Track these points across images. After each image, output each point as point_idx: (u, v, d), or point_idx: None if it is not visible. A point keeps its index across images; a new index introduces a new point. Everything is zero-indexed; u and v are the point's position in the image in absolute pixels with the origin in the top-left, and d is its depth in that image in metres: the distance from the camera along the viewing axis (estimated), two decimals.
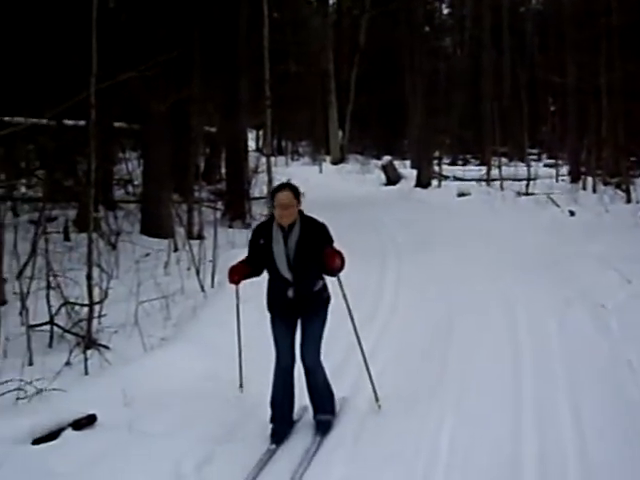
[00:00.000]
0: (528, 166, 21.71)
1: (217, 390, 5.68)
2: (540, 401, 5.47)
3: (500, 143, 24.91)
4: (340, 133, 34.03)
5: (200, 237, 11.55)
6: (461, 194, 19.30)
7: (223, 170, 18.44)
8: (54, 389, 5.37)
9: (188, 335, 6.86)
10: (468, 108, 33.66)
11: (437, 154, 25.19)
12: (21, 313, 6.91)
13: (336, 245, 5.03)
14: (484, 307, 8.19)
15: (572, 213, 14.64)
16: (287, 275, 4.95)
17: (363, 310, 7.78)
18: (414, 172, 23.56)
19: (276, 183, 6.73)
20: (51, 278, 7.19)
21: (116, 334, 6.92)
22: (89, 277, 6.73)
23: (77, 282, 7.59)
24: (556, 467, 4.46)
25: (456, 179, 23.51)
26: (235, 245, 10.35)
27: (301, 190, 5.07)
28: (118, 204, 14.33)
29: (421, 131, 23.95)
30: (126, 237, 11.38)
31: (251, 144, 21.55)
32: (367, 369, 5.40)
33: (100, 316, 7.11)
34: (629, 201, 15.80)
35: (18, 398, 5.29)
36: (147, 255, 10.53)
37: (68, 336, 6.80)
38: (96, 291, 6.99)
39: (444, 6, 40.50)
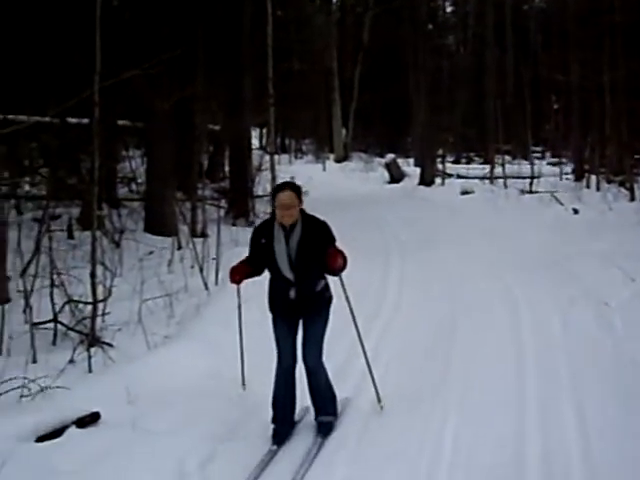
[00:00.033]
0: (532, 164, 21.71)
1: (220, 388, 5.68)
2: (544, 400, 5.45)
3: (504, 141, 24.87)
4: (344, 131, 34.01)
5: (204, 235, 11.57)
6: (465, 192, 19.28)
7: (227, 168, 18.44)
8: (58, 387, 5.38)
9: (192, 333, 6.86)
10: (471, 106, 33.60)
11: (441, 152, 25.16)
12: (25, 311, 6.93)
13: (339, 244, 5.00)
14: (487, 305, 8.18)
15: (576, 211, 14.62)
16: (289, 275, 4.90)
17: (366, 308, 7.79)
18: (418, 170, 23.54)
19: (279, 181, 6.73)
20: (55, 276, 7.20)
21: (120, 332, 6.93)
22: (93, 275, 6.74)
23: (81, 280, 7.61)
24: (560, 466, 4.45)
25: (460, 177, 23.47)
26: (238, 243, 10.35)
27: (304, 188, 5.04)
28: (122, 202, 14.34)
29: (425, 129, 23.93)
30: (130, 235, 11.38)
31: (255, 142, 21.56)
32: (369, 370, 5.36)
33: (104, 314, 7.11)
34: (633, 199, 15.78)
35: (22, 396, 5.30)
36: (151, 253, 10.54)
37: (72, 334, 6.81)
38: (100, 289, 6.99)
39: (447, 4, 40.56)
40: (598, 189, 17.64)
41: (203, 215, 12.67)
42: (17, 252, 8.56)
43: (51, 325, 6.83)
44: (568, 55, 21.63)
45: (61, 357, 6.18)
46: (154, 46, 11.02)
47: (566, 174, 22.08)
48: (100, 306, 6.98)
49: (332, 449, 4.84)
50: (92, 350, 6.26)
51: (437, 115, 24.99)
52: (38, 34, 11.36)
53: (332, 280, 5.13)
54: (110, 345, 6.62)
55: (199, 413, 5.23)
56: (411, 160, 28.75)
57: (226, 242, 10.21)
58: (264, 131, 28.08)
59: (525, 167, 22.37)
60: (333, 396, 5.17)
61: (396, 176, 24.15)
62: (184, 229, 11.94)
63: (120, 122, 15.15)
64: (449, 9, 41.37)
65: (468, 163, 30.61)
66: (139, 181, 15.90)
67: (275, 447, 4.86)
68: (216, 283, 8.86)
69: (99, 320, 6.90)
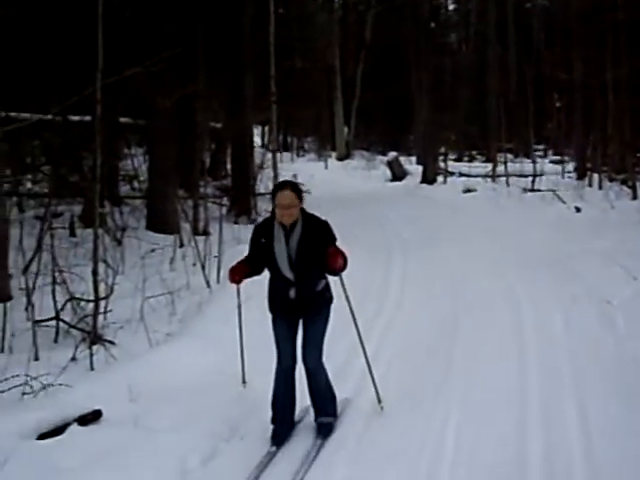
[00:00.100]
0: (534, 162, 21.66)
1: (222, 386, 5.68)
2: (546, 398, 5.45)
3: (506, 139, 24.87)
4: (346, 129, 34.00)
5: (206, 233, 11.57)
6: (467, 190, 19.28)
7: (229, 166, 18.43)
8: (60, 384, 5.37)
9: (194, 331, 6.87)
10: (474, 104, 33.60)
11: (443, 150, 25.15)
12: (27, 308, 6.94)
13: (341, 242, 4.97)
14: (490, 303, 8.18)
15: (578, 209, 14.60)
16: (289, 275, 4.85)
17: (368, 306, 7.79)
18: (420, 168, 23.52)
19: (282, 179, 6.72)
20: (57, 274, 7.21)
21: (122, 330, 6.93)
22: (95, 273, 6.73)
23: (83, 278, 7.60)
24: (562, 464, 4.44)
25: (462, 175, 23.46)
26: (241, 241, 10.34)
27: (306, 187, 5.03)
28: (124, 200, 14.34)
29: (427, 127, 23.92)
30: (132, 233, 11.38)
31: (257, 140, 21.50)
32: (370, 370, 5.32)
33: (106, 312, 7.12)
34: (635, 197, 15.74)
35: (24, 393, 5.30)
36: (153, 251, 10.53)
37: (74, 332, 6.81)
38: (102, 287, 6.99)
39: (449, 2, 40.57)
40: (600, 187, 17.61)
41: (205, 213, 12.66)
42: (19, 250, 8.57)
43: (53, 323, 6.83)
44: (571, 53, 21.60)
45: (63, 355, 6.18)
46: (156, 44, 11.02)
47: (568, 172, 22.05)
48: (102, 304, 6.98)
49: (332, 450, 4.82)
50: (94, 348, 6.26)
51: (439, 113, 24.98)
52: (40, 32, 11.36)
53: (332, 279, 5.10)
54: (112, 343, 6.62)
55: (201, 410, 5.23)
56: (413, 158, 28.72)
57: (228, 240, 10.21)
58: (266, 129, 28.05)
59: (527, 165, 22.32)
60: (333, 397, 5.13)
61: (398, 174, 24.13)
62: (186, 227, 11.95)
63: (122, 120, 15.16)
64: (451, 7, 41.48)
65: (470, 161, 30.55)
66: (141, 179, 15.92)
67: (274, 448, 4.83)
68: (218, 281, 8.86)
69: (101, 318, 6.91)
